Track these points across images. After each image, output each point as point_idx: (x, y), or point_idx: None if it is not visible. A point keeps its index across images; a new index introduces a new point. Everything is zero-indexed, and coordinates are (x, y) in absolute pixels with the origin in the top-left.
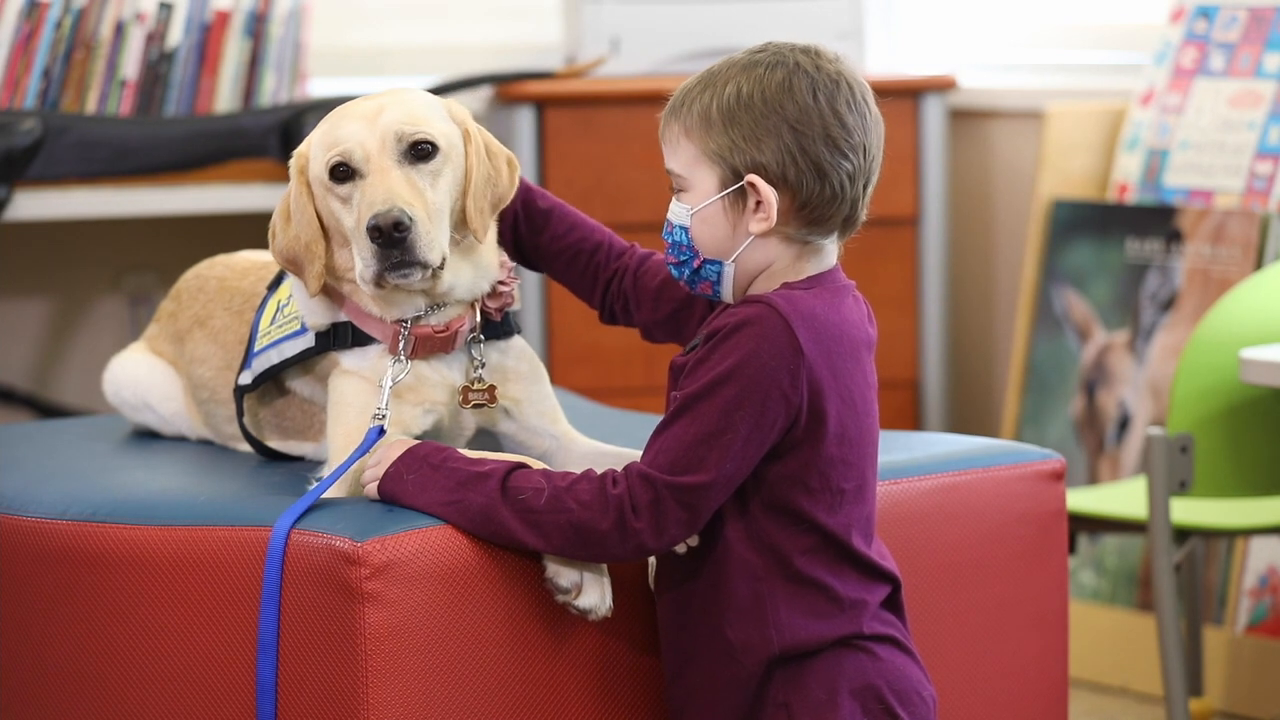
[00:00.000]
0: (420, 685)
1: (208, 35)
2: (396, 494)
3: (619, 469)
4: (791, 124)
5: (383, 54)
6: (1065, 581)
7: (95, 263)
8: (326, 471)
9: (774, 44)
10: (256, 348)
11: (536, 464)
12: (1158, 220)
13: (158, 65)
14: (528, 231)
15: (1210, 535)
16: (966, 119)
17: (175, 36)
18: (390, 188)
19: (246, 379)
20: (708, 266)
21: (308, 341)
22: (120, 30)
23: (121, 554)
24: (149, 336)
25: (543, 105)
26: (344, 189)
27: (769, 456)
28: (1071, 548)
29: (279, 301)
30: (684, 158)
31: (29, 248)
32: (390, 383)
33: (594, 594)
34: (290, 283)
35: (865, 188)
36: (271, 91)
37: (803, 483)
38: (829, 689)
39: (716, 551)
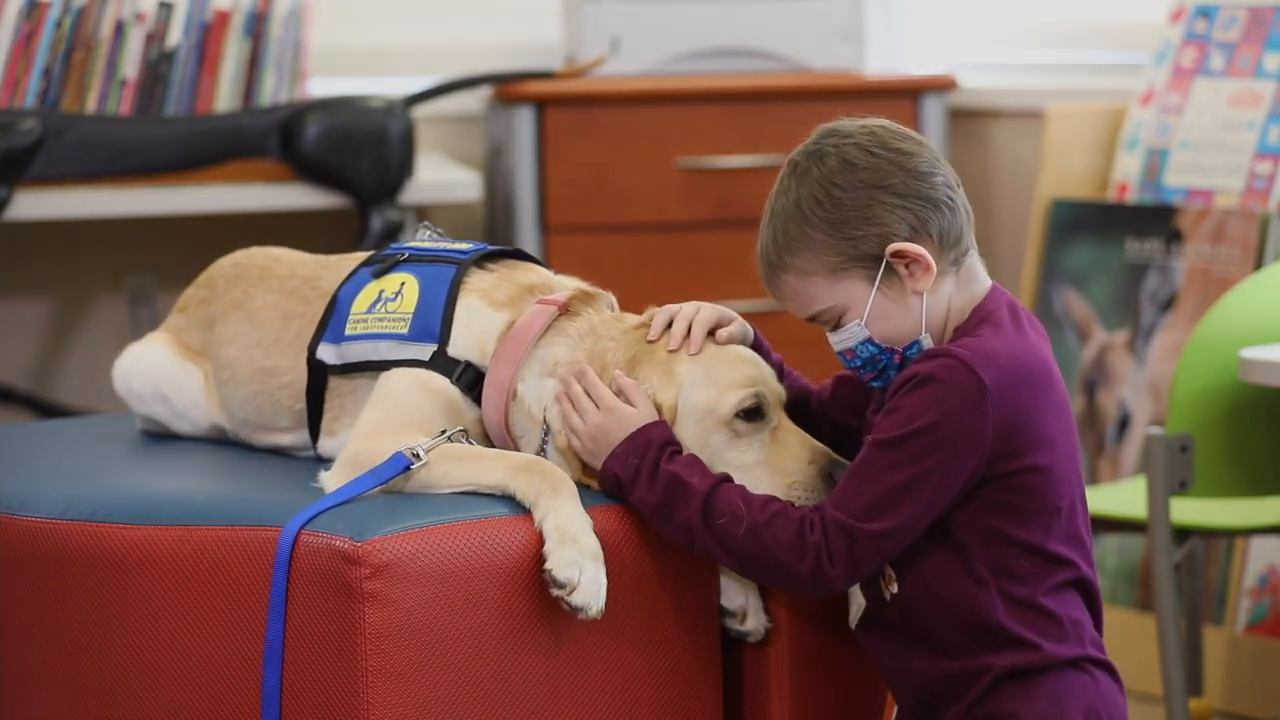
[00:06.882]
0: (420, 685)
1: (208, 35)
2: (619, 475)
3: (808, 507)
4: (875, 186)
5: (383, 54)
6: None
7: (95, 263)
8: (339, 464)
9: (795, 151)
10: (350, 331)
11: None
12: (1158, 220)
13: (158, 65)
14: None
15: (1210, 535)
16: (966, 119)
17: (175, 36)
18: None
19: (331, 357)
20: (909, 352)
21: (418, 354)
22: (120, 30)
23: (121, 554)
24: (171, 328)
25: (543, 105)
26: (746, 426)
27: (976, 489)
28: None
29: (381, 289)
30: (821, 295)
31: (29, 248)
32: (449, 437)
33: (588, 594)
34: (405, 277)
35: (959, 186)
36: (271, 91)
37: (1013, 508)
38: (1057, 705)
39: (933, 589)
